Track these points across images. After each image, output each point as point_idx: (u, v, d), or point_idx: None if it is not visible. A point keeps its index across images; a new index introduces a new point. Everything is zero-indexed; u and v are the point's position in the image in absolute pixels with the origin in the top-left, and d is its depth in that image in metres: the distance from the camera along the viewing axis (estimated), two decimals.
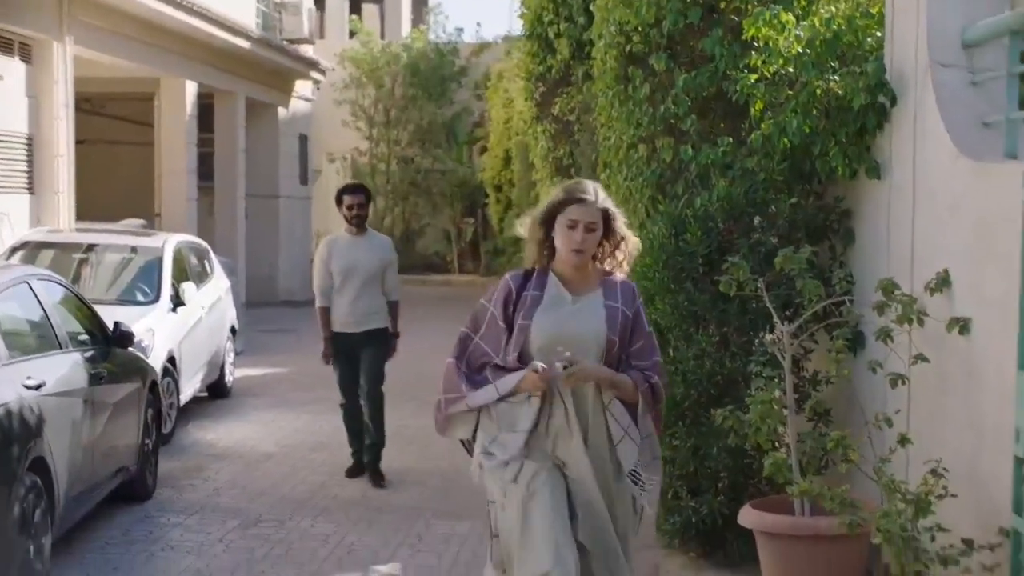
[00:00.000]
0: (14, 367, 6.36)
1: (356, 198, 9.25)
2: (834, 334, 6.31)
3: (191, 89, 18.72)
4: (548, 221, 4.90)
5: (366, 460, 9.34)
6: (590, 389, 4.84)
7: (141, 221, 14.69)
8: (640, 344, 4.94)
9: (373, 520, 8.17)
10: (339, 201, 9.31)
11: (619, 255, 4.97)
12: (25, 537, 5.99)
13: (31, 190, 13.96)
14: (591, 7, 8.87)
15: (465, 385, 4.87)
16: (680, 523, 6.80)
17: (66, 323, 7.52)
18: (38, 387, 6.39)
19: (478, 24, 40.92)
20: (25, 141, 13.83)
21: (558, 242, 4.88)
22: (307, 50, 24.24)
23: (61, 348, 7.17)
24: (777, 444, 6.20)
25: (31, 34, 13.74)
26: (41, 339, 7.06)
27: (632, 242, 4.98)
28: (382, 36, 30.72)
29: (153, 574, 6.98)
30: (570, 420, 4.84)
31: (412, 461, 10.02)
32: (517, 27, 12.58)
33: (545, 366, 4.67)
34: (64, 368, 7.01)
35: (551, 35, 10.69)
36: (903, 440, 5.65)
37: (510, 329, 4.85)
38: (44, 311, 7.20)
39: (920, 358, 5.70)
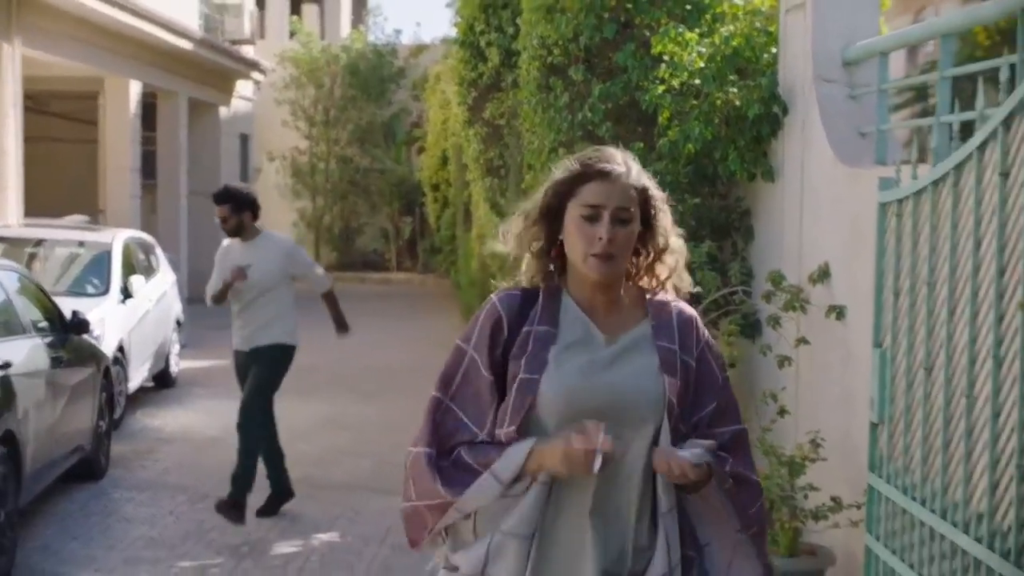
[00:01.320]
0: None
1: (221, 209, 8.05)
2: (728, 320, 7.03)
3: (135, 89, 19.20)
4: (552, 213, 2.98)
5: (231, 492, 7.98)
6: (635, 476, 2.94)
7: (85, 217, 15.20)
8: (711, 407, 3.02)
9: (313, 496, 8.78)
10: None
11: (662, 268, 3.03)
12: None
13: None
14: (519, 20, 9.54)
15: (443, 485, 2.94)
16: None
17: (28, 310, 8.09)
18: (5, 366, 6.96)
19: (417, 24, 41.39)
20: None
21: (570, 245, 2.96)
22: (248, 50, 24.75)
23: (25, 333, 7.74)
24: None
25: None
26: (6, 324, 7.63)
27: (679, 249, 3.06)
28: (322, 36, 31.23)
29: (110, 542, 7.56)
30: (590, 534, 2.94)
31: (347, 445, 10.62)
32: (454, 30, 13.20)
33: (592, 425, 2.83)
34: (28, 351, 7.59)
35: (482, 44, 11.34)
36: (782, 411, 6.37)
37: (501, 385, 2.97)
38: (8, 298, 7.76)
39: (802, 341, 6.43)
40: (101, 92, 19.29)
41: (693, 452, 2.84)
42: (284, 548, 7.55)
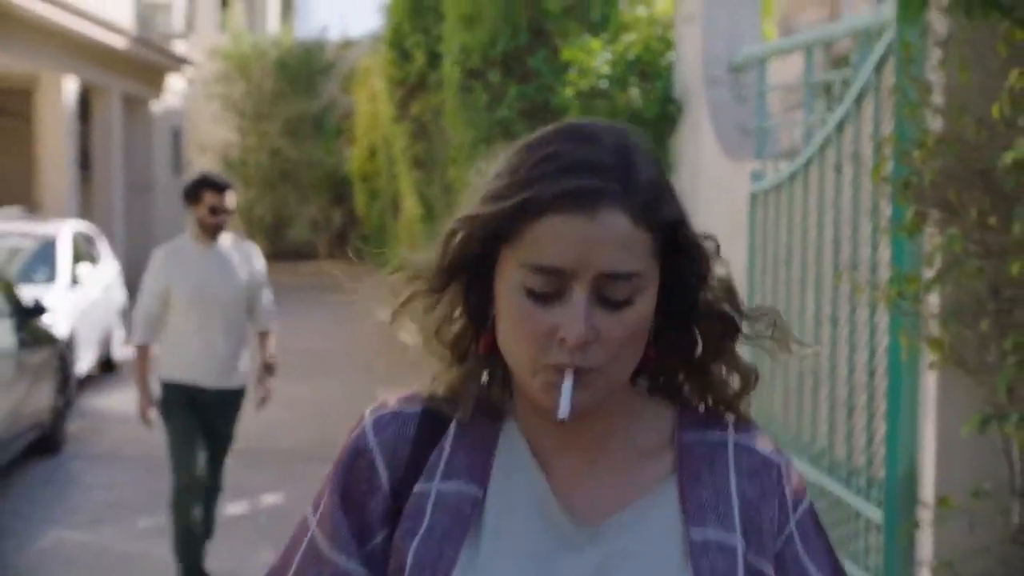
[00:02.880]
0: None
1: (225, 198, 6.27)
2: None
3: (70, 84, 19.75)
4: (470, 268, 1.46)
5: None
6: None
7: (20, 209, 15.79)
8: None
9: (261, 464, 9.54)
10: (196, 197, 6.26)
11: (716, 374, 1.50)
12: None
13: None
14: (442, 25, 10.37)
15: None
16: None
17: None
18: None
19: (344, 18, 41.44)
20: None
21: (505, 336, 1.42)
22: (180, 45, 25.35)
23: None
24: None
25: None
26: None
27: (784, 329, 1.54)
28: (251, 29, 31.80)
29: (73, 506, 8.29)
30: None
31: (287, 419, 11.38)
32: (382, 27, 13.98)
33: None
34: None
35: (409, 45, 12.15)
36: None
37: None
38: None
39: None
40: (36, 88, 19.81)
41: None
42: (234, 509, 8.31)
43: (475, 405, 1.50)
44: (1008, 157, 2.95)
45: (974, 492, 3.58)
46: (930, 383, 3.97)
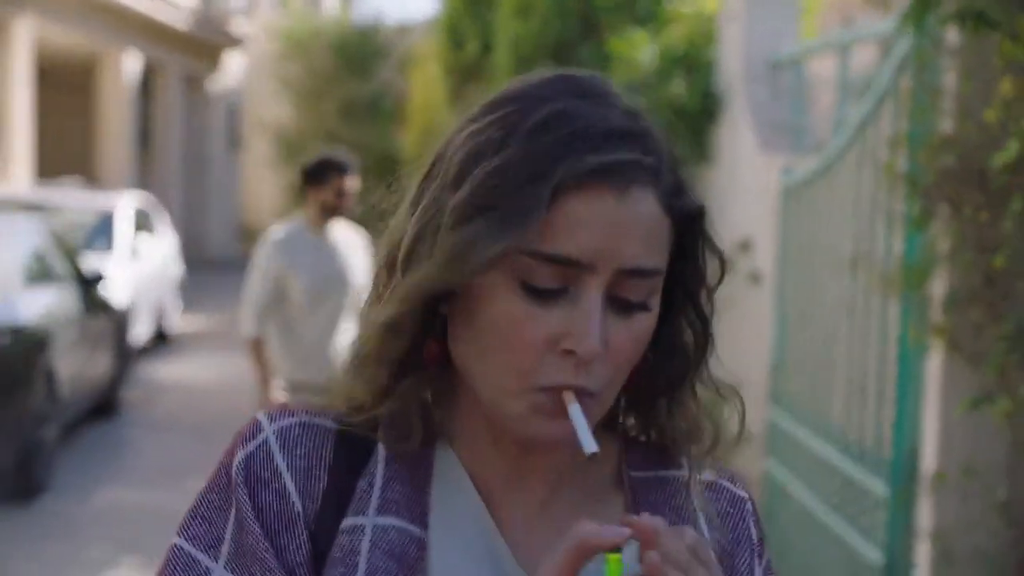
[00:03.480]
0: (30, 294, 8.09)
1: (349, 180, 5.77)
2: None
3: (131, 61, 20.23)
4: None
5: None
6: None
7: (80, 179, 16.29)
8: None
9: None
10: (321, 179, 5.73)
11: (685, 405, 1.23)
12: (39, 423, 7.71)
13: None
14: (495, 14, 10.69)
15: None
16: None
17: (59, 263, 9.20)
18: (47, 311, 8.10)
19: (402, 2, 41.71)
20: None
21: (481, 351, 1.15)
22: (240, 22, 25.81)
23: (59, 282, 8.87)
24: None
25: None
26: (45, 273, 8.76)
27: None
28: (310, 10, 32.19)
29: (124, 468, 8.69)
30: None
31: None
32: (439, 13, 14.31)
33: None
34: (63, 299, 8.72)
35: (464, 32, 12.47)
36: None
37: None
38: (43, 250, 8.90)
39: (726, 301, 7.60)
40: (97, 64, 20.30)
41: None
42: None
43: (402, 428, 1.17)
44: (999, 159, 3.22)
45: (965, 470, 3.85)
46: (933, 368, 4.24)
